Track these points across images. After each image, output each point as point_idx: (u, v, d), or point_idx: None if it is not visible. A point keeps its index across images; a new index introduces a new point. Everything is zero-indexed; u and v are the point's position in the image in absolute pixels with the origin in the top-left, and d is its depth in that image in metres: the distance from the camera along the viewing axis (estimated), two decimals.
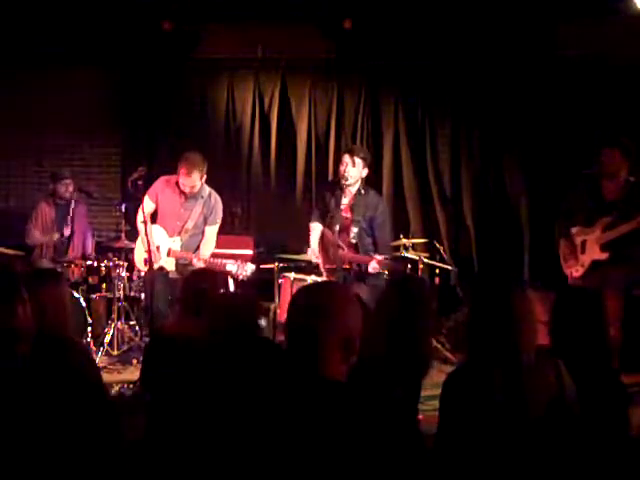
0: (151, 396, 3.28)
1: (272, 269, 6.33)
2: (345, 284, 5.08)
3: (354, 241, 5.46)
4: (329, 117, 7.71)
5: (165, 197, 5.78)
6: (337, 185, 5.62)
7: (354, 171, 5.46)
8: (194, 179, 5.60)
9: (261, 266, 6.54)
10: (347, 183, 5.46)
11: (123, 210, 6.31)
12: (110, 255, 6.56)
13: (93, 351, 5.96)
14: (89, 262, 6.45)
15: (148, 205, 5.75)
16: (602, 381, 2.63)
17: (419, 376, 3.21)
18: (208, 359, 2.90)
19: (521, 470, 2.34)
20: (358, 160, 5.47)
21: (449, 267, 6.80)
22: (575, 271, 5.32)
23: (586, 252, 5.25)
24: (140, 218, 5.60)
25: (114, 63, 7.65)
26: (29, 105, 7.68)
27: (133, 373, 5.54)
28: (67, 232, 6.66)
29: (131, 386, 5.08)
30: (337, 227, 5.29)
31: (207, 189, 5.81)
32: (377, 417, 1.96)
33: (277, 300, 6.16)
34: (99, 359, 5.91)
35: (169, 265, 5.72)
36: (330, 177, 7.29)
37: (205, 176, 5.70)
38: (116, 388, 5.13)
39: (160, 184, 5.83)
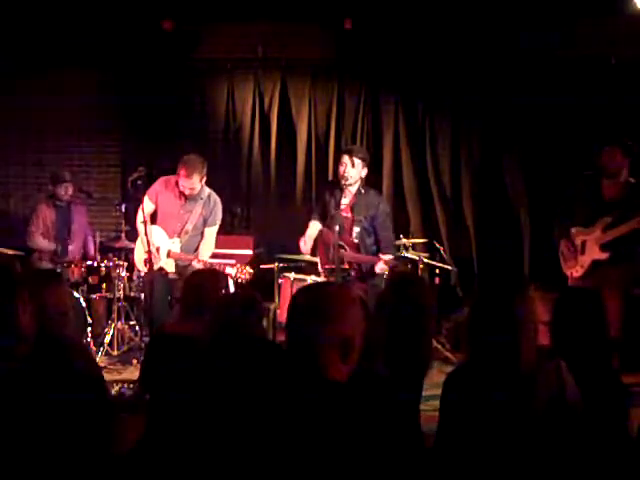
0: (151, 396, 3.29)
1: (272, 269, 6.33)
2: (346, 284, 5.07)
3: (356, 241, 5.45)
4: (329, 117, 7.71)
5: (164, 198, 5.78)
6: (336, 185, 5.62)
7: (353, 171, 5.46)
8: (194, 181, 5.60)
9: (261, 266, 6.54)
10: (347, 183, 5.46)
11: (123, 210, 6.31)
12: (110, 255, 6.56)
13: (93, 351, 5.96)
14: (89, 262, 6.45)
15: (148, 206, 5.74)
16: (602, 381, 2.63)
17: (420, 376, 3.21)
18: (208, 359, 2.90)
19: (521, 470, 2.34)
20: (357, 160, 5.47)
21: (449, 267, 6.80)
22: (575, 271, 5.31)
23: (586, 252, 5.25)
24: (140, 218, 5.60)
25: (114, 63, 7.65)
26: (29, 105, 7.68)
27: (133, 373, 5.55)
28: (69, 244, 6.68)
29: (131, 386, 5.08)
30: (337, 227, 5.28)
31: (207, 190, 5.81)
32: (377, 418, 1.96)
33: (277, 300, 6.15)
34: (99, 359, 5.91)
35: (169, 266, 5.72)
36: (330, 177, 7.29)
37: (205, 178, 5.70)
38: (116, 388, 5.13)
39: (160, 185, 5.82)
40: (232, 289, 5.24)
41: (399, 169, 7.63)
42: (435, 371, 4.33)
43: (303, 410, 1.94)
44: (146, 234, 5.37)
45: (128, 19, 7.32)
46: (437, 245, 6.94)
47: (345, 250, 5.38)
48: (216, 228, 5.87)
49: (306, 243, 5.60)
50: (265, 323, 5.82)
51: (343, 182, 5.47)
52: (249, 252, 6.92)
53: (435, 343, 5.89)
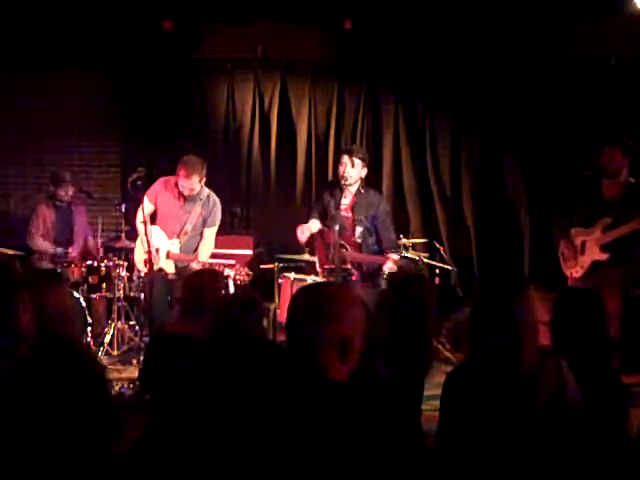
0: (151, 396, 3.29)
1: (272, 269, 6.33)
2: (346, 285, 5.07)
3: (359, 241, 5.44)
4: (329, 117, 7.71)
5: (164, 199, 5.78)
6: (336, 186, 5.62)
7: (353, 171, 5.46)
8: (193, 182, 5.60)
9: (261, 266, 6.54)
10: (347, 183, 5.46)
11: (123, 210, 6.31)
12: (110, 255, 6.56)
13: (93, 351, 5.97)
14: (89, 262, 6.45)
15: (147, 206, 5.74)
16: (602, 381, 2.64)
17: (421, 376, 3.21)
18: (208, 359, 2.90)
19: (521, 469, 2.34)
20: (357, 160, 5.46)
21: (449, 267, 6.80)
22: (575, 272, 5.31)
23: (586, 253, 5.24)
24: (140, 218, 5.60)
25: (114, 63, 7.65)
26: (29, 105, 7.68)
27: (133, 373, 5.54)
28: (70, 244, 6.67)
29: (131, 386, 5.08)
30: (337, 227, 5.28)
31: (206, 191, 5.81)
32: (377, 418, 1.96)
33: (277, 300, 6.15)
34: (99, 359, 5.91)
35: (168, 267, 5.72)
36: (330, 177, 7.29)
37: (204, 179, 5.70)
38: (116, 388, 5.13)
39: (159, 186, 5.82)
40: (232, 290, 5.25)
41: (399, 169, 7.63)
42: (435, 371, 4.32)
43: (303, 410, 1.94)
44: (146, 234, 5.37)
45: (128, 19, 7.32)
46: (437, 245, 6.94)
47: (347, 250, 5.38)
48: (215, 229, 5.87)
49: (303, 232, 5.54)
50: (265, 323, 5.82)
51: (343, 182, 5.46)
52: (249, 252, 6.91)
53: (435, 343, 5.89)
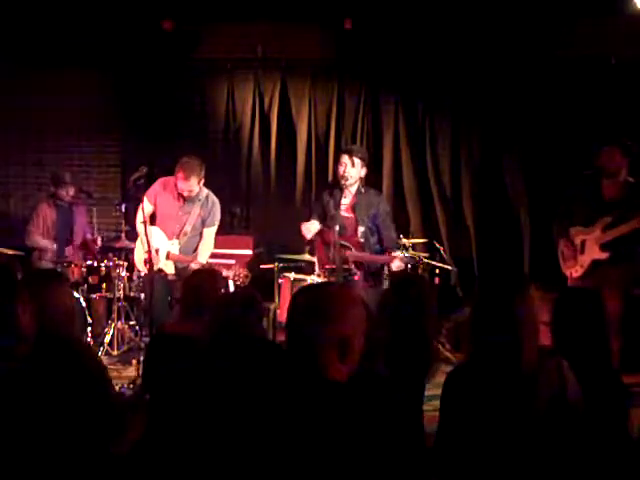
0: (151, 396, 3.28)
1: (272, 269, 6.33)
2: (347, 285, 5.07)
3: (362, 240, 5.43)
4: (329, 117, 7.71)
5: (163, 200, 5.78)
6: (336, 186, 5.61)
7: (353, 171, 5.46)
8: (192, 184, 5.61)
9: (261, 266, 6.54)
10: (347, 183, 5.45)
11: (123, 210, 6.31)
12: (110, 255, 6.55)
13: None
14: (89, 262, 6.45)
15: (146, 207, 5.74)
16: (603, 381, 2.63)
17: (422, 376, 3.20)
18: (208, 359, 2.90)
19: (522, 469, 2.34)
20: (357, 160, 5.47)
21: (449, 267, 6.80)
22: (574, 271, 5.31)
23: (586, 252, 5.24)
24: (140, 218, 5.60)
25: (114, 63, 7.65)
26: (29, 105, 7.68)
27: (133, 373, 5.54)
28: (70, 244, 6.67)
29: (131, 386, 5.08)
30: (337, 227, 5.28)
31: (205, 191, 5.81)
32: (376, 418, 1.96)
33: (277, 300, 6.15)
34: None
35: (168, 268, 5.73)
36: (330, 177, 7.29)
37: (203, 180, 5.71)
38: (116, 388, 5.13)
39: (158, 187, 5.82)
40: (232, 289, 5.25)
41: (399, 169, 7.63)
42: (435, 371, 4.32)
43: (303, 410, 1.94)
44: (146, 234, 5.37)
45: (128, 19, 7.32)
46: (437, 245, 6.94)
47: (351, 250, 5.37)
48: (215, 229, 5.87)
49: (309, 230, 5.53)
50: (265, 323, 5.82)
51: (343, 182, 5.46)
52: (249, 252, 6.92)
53: (435, 343, 5.88)
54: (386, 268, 5.41)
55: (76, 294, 6.07)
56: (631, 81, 7.02)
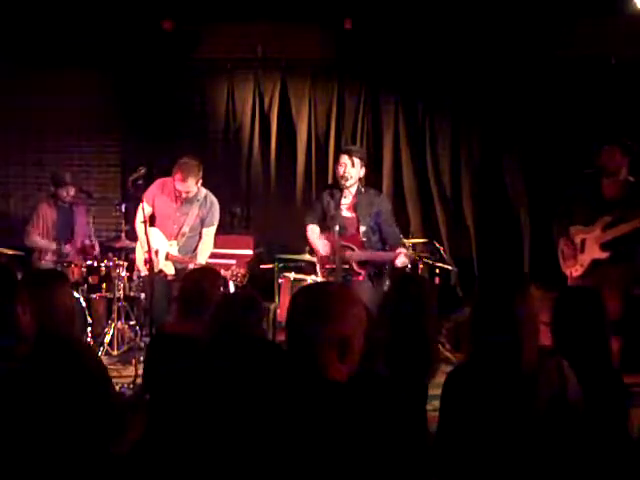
0: (151, 396, 3.28)
1: (272, 269, 6.33)
2: (346, 284, 5.07)
3: (364, 239, 5.43)
4: (329, 117, 7.71)
5: (161, 201, 5.78)
6: (335, 186, 5.61)
7: (353, 171, 5.45)
8: (189, 185, 5.60)
9: (261, 266, 6.53)
10: (347, 184, 5.45)
11: (123, 210, 6.30)
12: (110, 255, 6.55)
13: None
14: (89, 262, 6.45)
15: (145, 208, 5.74)
16: (603, 381, 2.63)
17: (422, 376, 3.20)
18: (208, 359, 2.90)
19: (522, 469, 2.34)
20: (356, 160, 5.46)
21: (449, 267, 6.80)
22: (574, 271, 5.30)
23: (586, 251, 5.24)
24: (140, 218, 5.60)
25: (114, 63, 7.66)
26: (29, 105, 7.68)
27: (133, 373, 5.53)
28: (70, 243, 6.66)
29: (131, 386, 5.07)
30: (337, 227, 5.27)
31: (203, 191, 5.81)
32: (376, 418, 1.96)
33: (277, 300, 6.15)
34: None
35: (168, 269, 5.72)
36: (330, 177, 7.28)
37: (201, 180, 5.70)
38: (116, 388, 5.12)
39: (156, 187, 5.82)
40: (232, 289, 5.25)
41: (399, 169, 7.64)
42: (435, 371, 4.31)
43: (303, 410, 1.94)
44: (146, 234, 5.37)
45: (128, 19, 7.32)
46: (437, 245, 6.94)
47: (354, 251, 5.36)
48: (214, 229, 5.87)
49: (325, 245, 5.52)
50: (265, 323, 5.82)
51: (343, 182, 5.46)
52: (249, 252, 6.92)
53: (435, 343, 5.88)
54: (389, 266, 5.40)
55: (76, 294, 6.07)
56: (631, 81, 7.02)
